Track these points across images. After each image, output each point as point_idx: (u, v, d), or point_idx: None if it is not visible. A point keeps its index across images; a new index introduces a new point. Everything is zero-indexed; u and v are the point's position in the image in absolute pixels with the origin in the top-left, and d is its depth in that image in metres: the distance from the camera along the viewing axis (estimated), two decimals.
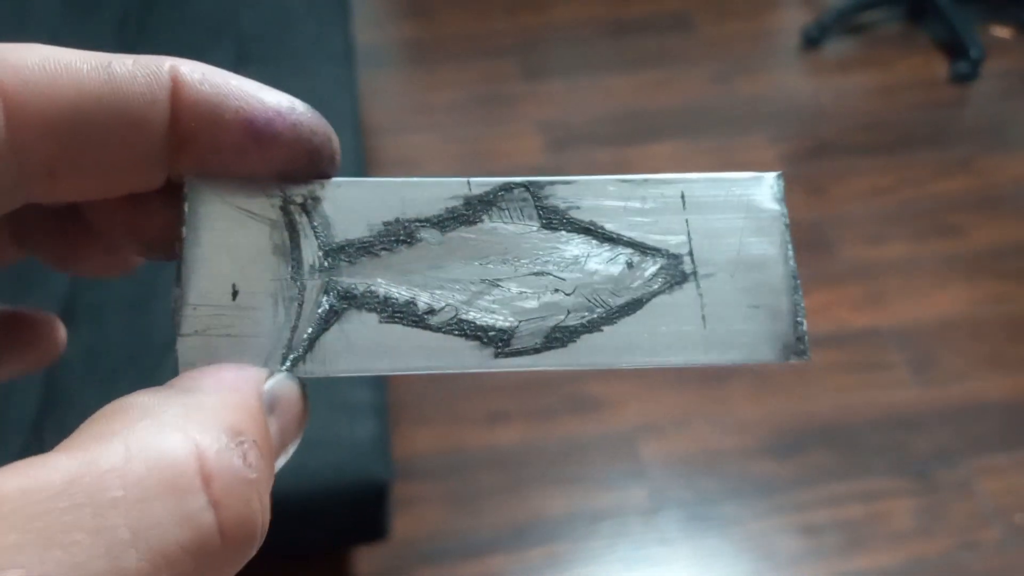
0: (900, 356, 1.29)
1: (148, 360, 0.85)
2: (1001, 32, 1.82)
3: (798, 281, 0.21)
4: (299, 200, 0.19)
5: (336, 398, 0.83)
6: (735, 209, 0.21)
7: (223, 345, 0.18)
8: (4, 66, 0.16)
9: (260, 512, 0.15)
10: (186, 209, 0.18)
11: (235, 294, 0.18)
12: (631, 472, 1.16)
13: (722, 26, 1.86)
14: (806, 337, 0.20)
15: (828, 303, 1.35)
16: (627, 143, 1.60)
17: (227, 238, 0.18)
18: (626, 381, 1.24)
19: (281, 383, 0.18)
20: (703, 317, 0.20)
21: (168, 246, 0.19)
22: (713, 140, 1.61)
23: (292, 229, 0.19)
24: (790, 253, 0.21)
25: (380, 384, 0.88)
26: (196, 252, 0.18)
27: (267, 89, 0.18)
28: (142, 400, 0.15)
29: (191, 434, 0.14)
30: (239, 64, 1.22)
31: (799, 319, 0.20)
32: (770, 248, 0.21)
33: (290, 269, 0.19)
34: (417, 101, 1.69)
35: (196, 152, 0.18)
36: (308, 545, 0.92)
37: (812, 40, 1.79)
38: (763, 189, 0.21)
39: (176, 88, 0.17)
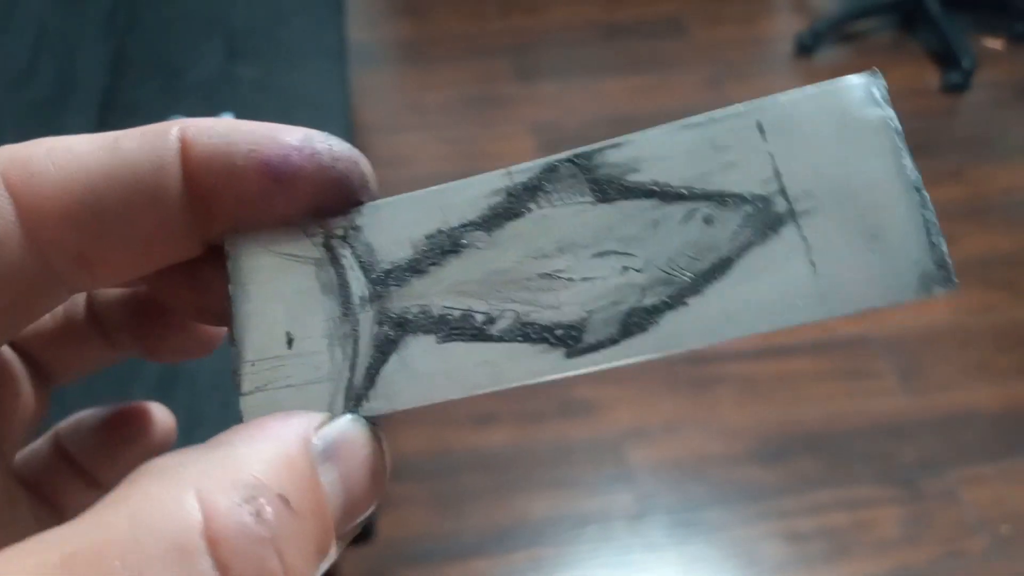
0: (887, 364, 1.29)
1: (153, 368, 0.84)
2: (992, 43, 1.83)
3: (925, 194, 0.16)
4: (340, 233, 0.18)
5: None
6: (827, 126, 0.17)
7: (286, 397, 0.18)
8: (10, 163, 0.16)
9: (283, 571, 0.14)
10: (230, 267, 0.18)
11: (290, 342, 0.18)
12: (617, 476, 1.16)
13: (715, 31, 1.86)
14: (948, 261, 0.16)
15: None
16: None
17: (275, 287, 0.18)
18: (615, 385, 1.24)
19: (341, 426, 0.16)
20: (812, 263, 0.17)
21: None
22: None
23: (337, 264, 0.18)
24: (907, 163, 0.17)
25: None
26: (247, 308, 0.18)
27: (280, 128, 0.17)
28: (165, 460, 0.14)
29: (204, 492, 0.13)
30: (230, 60, 1.21)
31: (934, 239, 0.16)
32: (879, 162, 0.17)
33: (340, 305, 0.18)
34: (410, 100, 1.68)
35: (223, 208, 0.17)
36: None
37: (805, 47, 1.80)
38: (857, 95, 0.18)
39: (185, 148, 0.17)
